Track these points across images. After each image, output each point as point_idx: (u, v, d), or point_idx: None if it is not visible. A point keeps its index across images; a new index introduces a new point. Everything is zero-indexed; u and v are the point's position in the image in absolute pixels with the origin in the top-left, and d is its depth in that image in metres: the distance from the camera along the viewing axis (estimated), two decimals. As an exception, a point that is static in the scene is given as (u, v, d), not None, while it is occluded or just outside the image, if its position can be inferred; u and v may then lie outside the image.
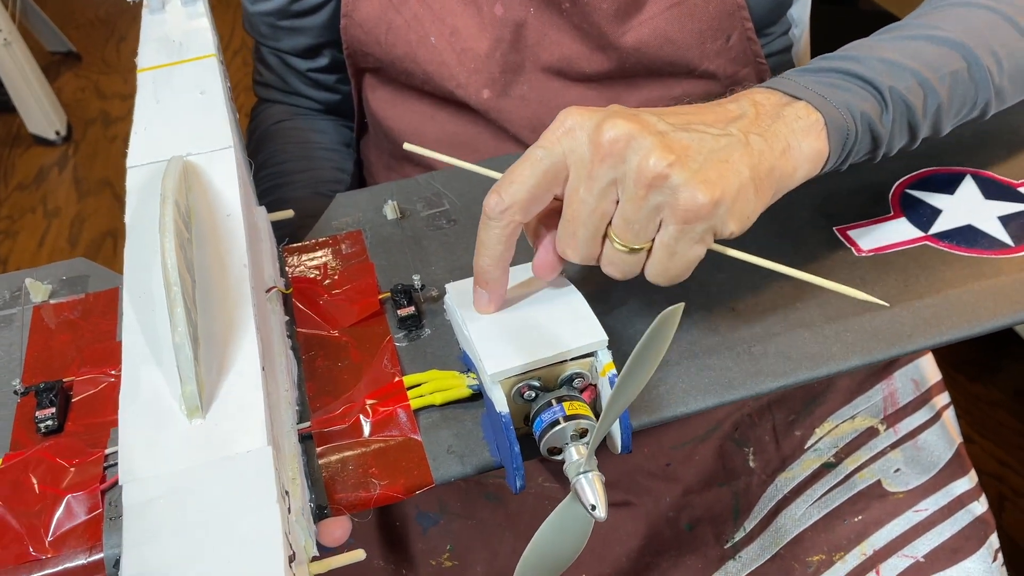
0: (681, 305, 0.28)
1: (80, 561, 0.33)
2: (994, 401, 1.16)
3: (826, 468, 0.62)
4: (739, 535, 0.61)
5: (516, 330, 0.37)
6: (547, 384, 0.36)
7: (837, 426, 0.63)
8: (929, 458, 0.61)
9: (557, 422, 0.34)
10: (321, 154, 0.70)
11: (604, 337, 0.36)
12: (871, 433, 0.63)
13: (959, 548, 0.57)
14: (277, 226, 0.52)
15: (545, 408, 0.34)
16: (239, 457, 0.29)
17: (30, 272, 0.49)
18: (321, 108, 0.73)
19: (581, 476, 0.32)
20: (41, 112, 1.75)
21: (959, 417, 1.13)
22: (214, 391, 0.32)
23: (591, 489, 0.32)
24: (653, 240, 0.37)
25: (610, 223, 0.37)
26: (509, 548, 0.61)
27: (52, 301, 0.47)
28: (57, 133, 1.78)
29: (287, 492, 0.31)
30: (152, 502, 0.28)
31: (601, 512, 0.32)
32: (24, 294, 0.47)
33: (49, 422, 0.39)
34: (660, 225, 0.36)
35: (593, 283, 0.45)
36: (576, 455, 0.33)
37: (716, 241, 0.37)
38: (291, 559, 0.28)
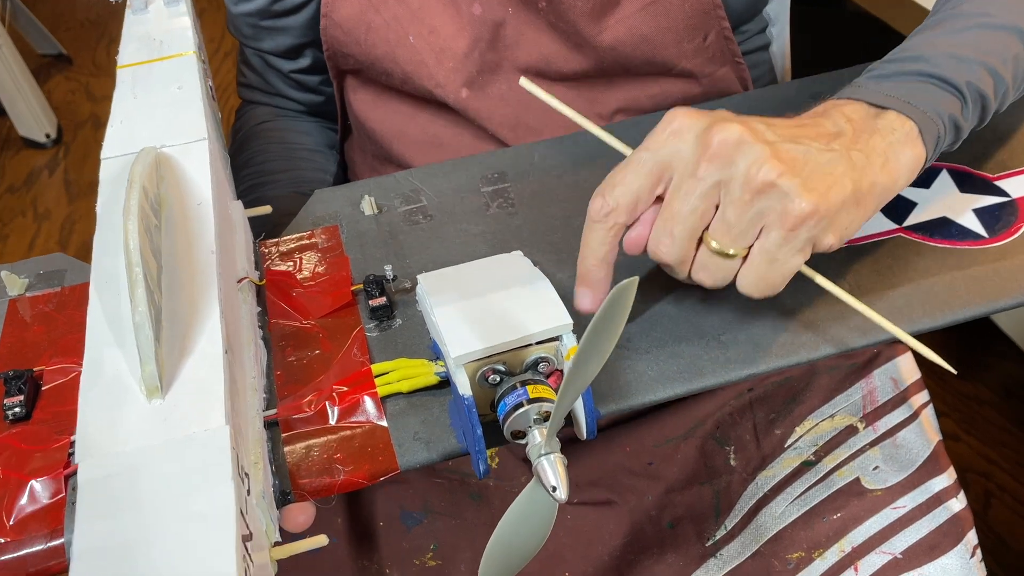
0: (635, 279, 0.28)
1: (40, 546, 0.33)
2: (981, 399, 1.17)
3: (806, 466, 0.62)
4: (720, 533, 0.61)
5: (482, 315, 0.37)
6: (512, 369, 0.36)
7: (817, 424, 0.63)
8: (907, 456, 0.61)
9: (520, 404, 0.34)
10: (304, 155, 0.71)
11: (569, 321, 0.36)
12: (850, 431, 0.63)
13: (937, 544, 0.57)
14: (255, 222, 0.52)
15: (509, 391, 0.35)
16: (196, 436, 0.29)
17: (6, 266, 0.49)
18: (304, 110, 0.73)
19: (542, 458, 0.32)
20: (31, 115, 1.74)
21: (947, 414, 1.14)
22: (175, 372, 0.32)
23: (552, 470, 0.32)
24: (750, 248, 0.37)
25: (707, 228, 0.37)
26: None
27: (28, 294, 0.47)
28: (47, 136, 1.77)
29: (247, 474, 0.31)
30: (107, 479, 0.28)
31: (562, 493, 0.32)
32: (0, 287, 0.48)
33: (17, 409, 0.39)
34: (761, 232, 0.36)
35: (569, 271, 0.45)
36: (539, 437, 0.33)
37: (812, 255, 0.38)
38: (247, 539, 0.28)
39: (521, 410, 0.34)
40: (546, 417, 0.34)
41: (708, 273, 0.38)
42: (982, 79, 0.42)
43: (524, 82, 0.43)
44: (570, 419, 0.37)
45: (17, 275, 0.48)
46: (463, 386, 0.34)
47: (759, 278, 0.37)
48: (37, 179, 1.71)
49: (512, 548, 0.35)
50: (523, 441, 0.34)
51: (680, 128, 0.37)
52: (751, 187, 0.35)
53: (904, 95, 0.41)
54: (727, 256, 0.37)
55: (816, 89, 0.58)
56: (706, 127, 0.36)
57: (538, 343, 0.36)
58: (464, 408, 0.34)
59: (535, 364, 0.36)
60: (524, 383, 0.35)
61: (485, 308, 0.37)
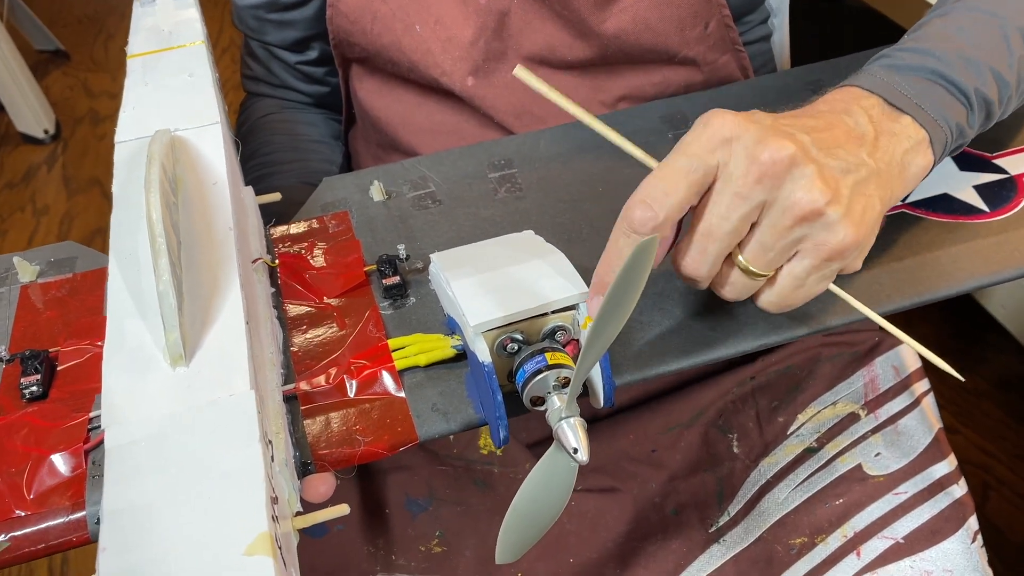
0: (655, 237, 0.28)
1: (61, 519, 0.33)
2: (979, 391, 1.17)
3: (808, 453, 0.62)
4: (723, 519, 0.62)
5: (499, 286, 0.37)
6: (530, 338, 0.37)
7: (819, 412, 0.64)
8: (909, 442, 0.62)
9: (539, 371, 0.34)
10: (310, 146, 0.71)
11: (585, 290, 0.37)
12: (852, 418, 0.63)
13: (938, 530, 0.57)
14: (264, 210, 0.52)
15: (528, 359, 0.35)
16: (222, 401, 0.29)
17: (18, 254, 0.49)
18: (310, 101, 0.74)
19: (563, 421, 0.33)
20: (29, 110, 1.74)
21: (944, 407, 1.15)
22: (198, 341, 0.32)
23: (573, 433, 0.32)
24: (778, 268, 0.36)
25: (738, 245, 0.36)
26: (498, 533, 0.61)
27: (40, 281, 0.47)
28: (46, 131, 1.77)
29: (270, 442, 0.31)
30: (134, 444, 0.28)
31: (583, 455, 0.32)
32: (12, 274, 0.48)
33: (34, 388, 0.39)
34: (794, 256, 0.36)
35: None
36: (558, 402, 0.34)
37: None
38: (274, 501, 0.28)
39: (540, 376, 0.34)
40: (564, 384, 0.34)
41: (732, 289, 0.37)
42: (988, 84, 0.42)
43: (520, 71, 0.40)
44: (586, 391, 0.38)
45: (28, 262, 0.48)
46: (483, 353, 0.35)
47: (782, 299, 0.37)
48: (35, 175, 1.71)
49: (531, 516, 0.35)
50: (542, 408, 0.35)
51: (730, 137, 0.35)
52: (795, 213, 0.34)
53: (916, 96, 0.41)
54: (754, 275, 0.36)
55: (814, 77, 0.58)
56: (756, 140, 0.34)
57: (555, 312, 0.37)
58: (484, 375, 0.34)
59: (552, 333, 0.37)
60: (543, 350, 0.35)
61: (501, 279, 0.38)
